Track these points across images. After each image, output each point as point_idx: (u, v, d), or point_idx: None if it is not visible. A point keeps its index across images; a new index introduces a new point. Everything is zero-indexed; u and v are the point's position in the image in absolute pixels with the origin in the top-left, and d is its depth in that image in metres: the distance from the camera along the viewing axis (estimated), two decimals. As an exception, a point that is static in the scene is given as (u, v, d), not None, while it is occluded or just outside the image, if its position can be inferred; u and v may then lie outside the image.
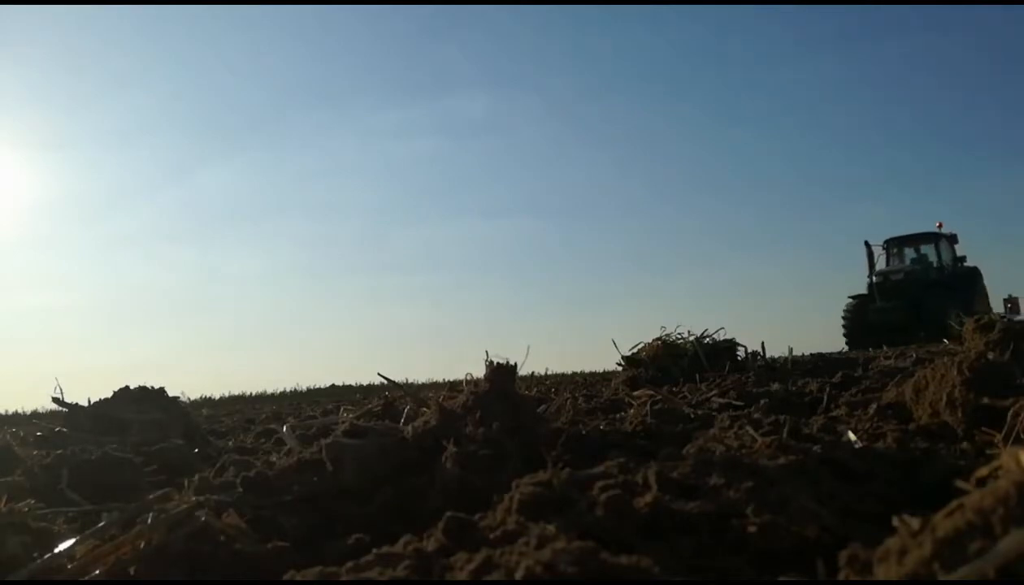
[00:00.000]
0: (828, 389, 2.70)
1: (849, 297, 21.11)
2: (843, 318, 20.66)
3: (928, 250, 21.37)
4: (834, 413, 2.21)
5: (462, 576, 0.78)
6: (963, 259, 21.32)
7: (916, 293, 19.31)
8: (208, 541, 1.09)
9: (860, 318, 20.25)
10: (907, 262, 21.50)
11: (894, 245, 21.74)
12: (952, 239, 21.31)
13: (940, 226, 21.39)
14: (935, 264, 20.99)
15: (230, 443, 3.05)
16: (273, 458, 1.89)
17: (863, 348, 17.18)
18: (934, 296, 18.58)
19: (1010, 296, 20.52)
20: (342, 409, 4.14)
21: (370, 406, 2.85)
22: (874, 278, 20.62)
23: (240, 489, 1.45)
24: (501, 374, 1.78)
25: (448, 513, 0.99)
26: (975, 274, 20.81)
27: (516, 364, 1.82)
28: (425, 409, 1.81)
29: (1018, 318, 20.22)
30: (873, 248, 21.18)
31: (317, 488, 1.47)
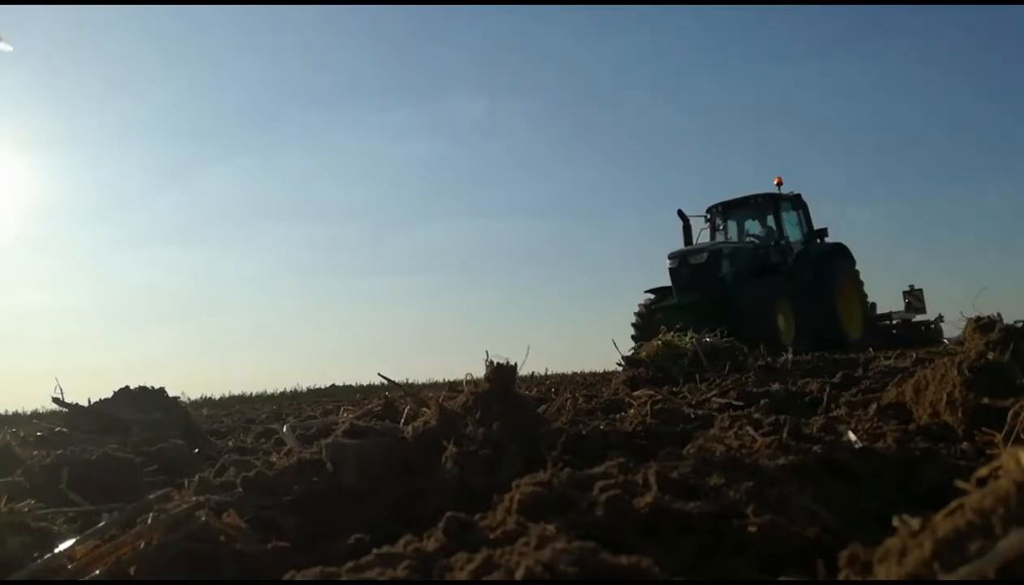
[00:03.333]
0: (828, 389, 2.70)
1: (646, 291, 14.35)
2: (633, 325, 13.87)
3: (771, 220, 14.98)
4: (834, 413, 2.21)
5: (462, 576, 0.78)
6: (822, 233, 15.23)
7: (731, 281, 13.26)
8: (208, 541, 1.09)
9: (651, 321, 13.53)
10: (738, 236, 15.15)
11: (720, 215, 15.30)
12: (797, 201, 15.05)
13: (779, 183, 14.97)
14: (774, 238, 14.66)
15: (230, 443, 3.05)
16: (273, 458, 1.89)
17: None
18: (754, 285, 12.99)
19: (912, 287, 16.37)
20: (342, 409, 4.15)
21: (370, 406, 2.85)
22: (667, 262, 13.82)
23: (240, 489, 1.45)
24: (501, 374, 1.78)
25: (448, 513, 0.99)
26: (837, 254, 14.71)
27: (516, 364, 1.82)
28: (425, 409, 1.81)
29: (917, 319, 15.90)
30: (692, 220, 14.88)
31: (317, 488, 1.47)
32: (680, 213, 15.11)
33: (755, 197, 15.00)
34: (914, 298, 16.51)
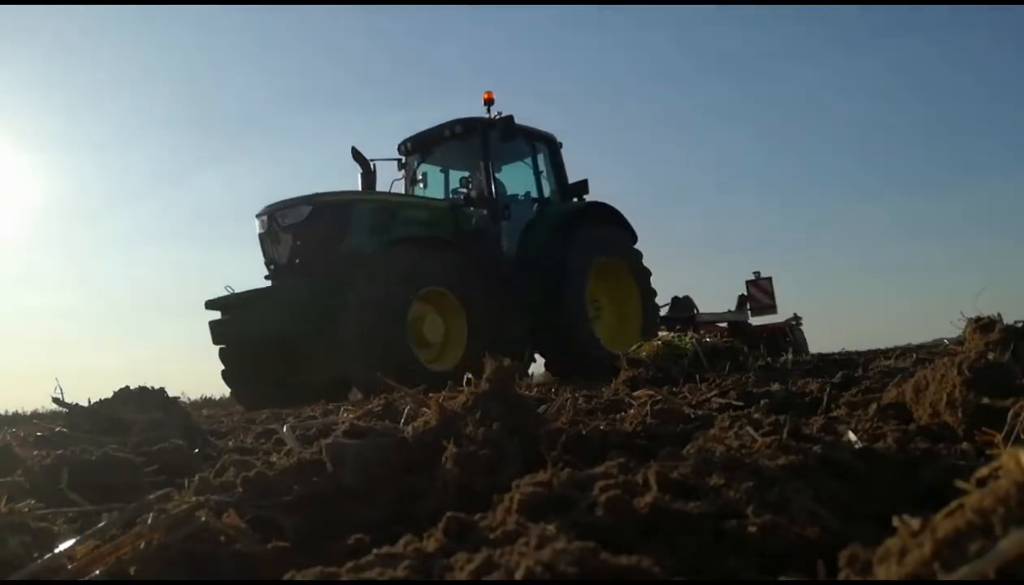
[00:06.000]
0: (828, 389, 2.70)
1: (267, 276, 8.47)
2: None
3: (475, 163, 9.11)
4: (834, 413, 2.21)
5: (462, 576, 0.78)
6: (579, 187, 9.60)
7: (364, 258, 7.58)
8: (208, 541, 1.09)
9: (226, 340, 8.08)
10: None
11: (415, 155, 9.52)
12: (510, 128, 8.67)
13: (489, 100, 8.99)
14: (478, 190, 8.90)
15: (230, 443, 3.04)
16: (273, 458, 1.89)
17: (257, 402, 7.36)
18: (375, 266, 7.36)
19: (757, 274, 11.64)
20: (342, 409, 4.15)
21: (370, 406, 2.85)
22: (256, 224, 8.28)
23: (240, 489, 1.45)
24: (501, 374, 1.78)
25: (448, 513, 0.99)
26: (595, 220, 9.13)
27: (517, 364, 1.82)
28: (425, 409, 1.80)
29: (760, 321, 11.53)
30: (378, 164, 9.03)
31: (317, 488, 1.47)
32: (354, 153, 8.74)
33: (451, 126, 8.97)
34: (760, 291, 11.59)
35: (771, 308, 11.70)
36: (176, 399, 3.18)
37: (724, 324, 11.63)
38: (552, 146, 9.86)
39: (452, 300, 7.89)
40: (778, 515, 1.01)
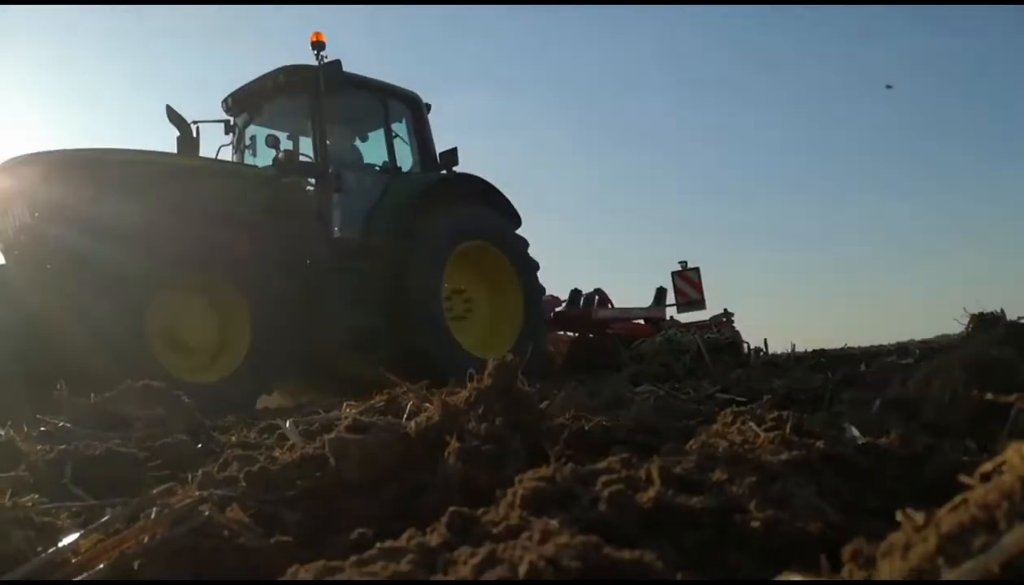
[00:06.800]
0: (831, 385, 2.70)
1: None
2: None
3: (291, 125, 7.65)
4: (837, 409, 2.21)
5: (465, 570, 0.78)
6: (447, 157, 7.93)
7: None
8: (211, 536, 1.09)
9: None
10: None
11: (242, 115, 7.70)
12: (333, 75, 6.86)
13: (317, 41, 6.95)
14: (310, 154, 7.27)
15: (233, 438, 3.05)
16: (276, 453, 1.89)
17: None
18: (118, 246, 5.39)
19: (685, 265, 9.88)
20: (345, 405, 4.15)
21: (373, 402, 2.85)
22: None
23: (243, 484, 1.45)
24: (504, 371, 1.78)
25: (451, 508, 0.99)
26: (458, 195, 7.58)
27: (519, 361, 1.82)
28: (428, 405, 1.81)
29: (689, 318, 9.82)
30: (200, 127, 7.22)
31: (320, 483, 1.47)
32: (169, 112, 7.01)
33: (274, 76, 7.28)
34: (686, 283, 9.86)
35: (699, 303, 9.90)
36: (179, 395, 3.19)
37: (641, 320, 9.91)
38: (415, 108, 7.98)
39: (234, 294, 6.09)
40: (781, 510, 1.01)
